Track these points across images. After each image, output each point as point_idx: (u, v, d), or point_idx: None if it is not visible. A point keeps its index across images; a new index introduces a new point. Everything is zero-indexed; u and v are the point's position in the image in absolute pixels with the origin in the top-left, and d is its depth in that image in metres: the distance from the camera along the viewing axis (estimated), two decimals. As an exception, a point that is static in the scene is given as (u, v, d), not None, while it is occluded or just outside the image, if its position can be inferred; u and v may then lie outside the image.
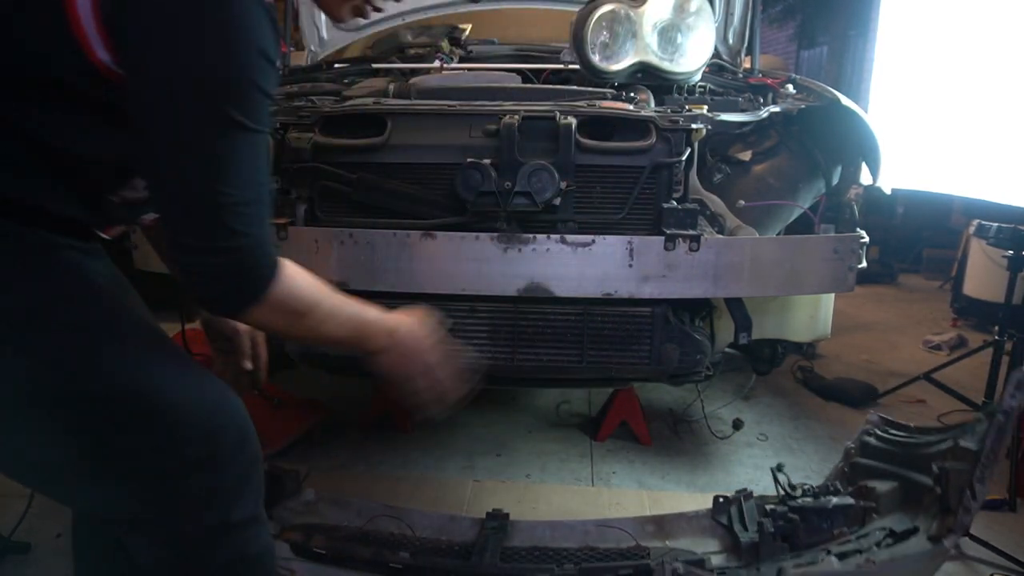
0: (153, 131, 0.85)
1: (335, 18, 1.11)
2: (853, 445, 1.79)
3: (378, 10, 1.10)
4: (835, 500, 1.61)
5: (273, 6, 0.88)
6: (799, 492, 1.69)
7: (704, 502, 2.21)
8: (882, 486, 1.63)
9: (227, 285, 0.90)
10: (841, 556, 1.47)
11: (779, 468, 1.79)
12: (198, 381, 0.99)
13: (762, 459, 2.57)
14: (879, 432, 1.75)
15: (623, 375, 1.84)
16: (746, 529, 1.64)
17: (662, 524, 1.74)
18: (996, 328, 2.68)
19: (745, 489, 1.76)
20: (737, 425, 2.73)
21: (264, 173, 0.91)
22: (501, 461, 2.53)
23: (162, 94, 0.83)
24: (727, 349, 2.09)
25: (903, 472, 1.62)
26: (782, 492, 1.71)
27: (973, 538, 2.04)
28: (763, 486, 2.35)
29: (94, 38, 0.83)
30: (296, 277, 0.96)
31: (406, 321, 1.09)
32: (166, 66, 0.82)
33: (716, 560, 1.60)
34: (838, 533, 1.57)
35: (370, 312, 1.05)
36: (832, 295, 2.15)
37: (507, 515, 1.76)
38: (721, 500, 1.73)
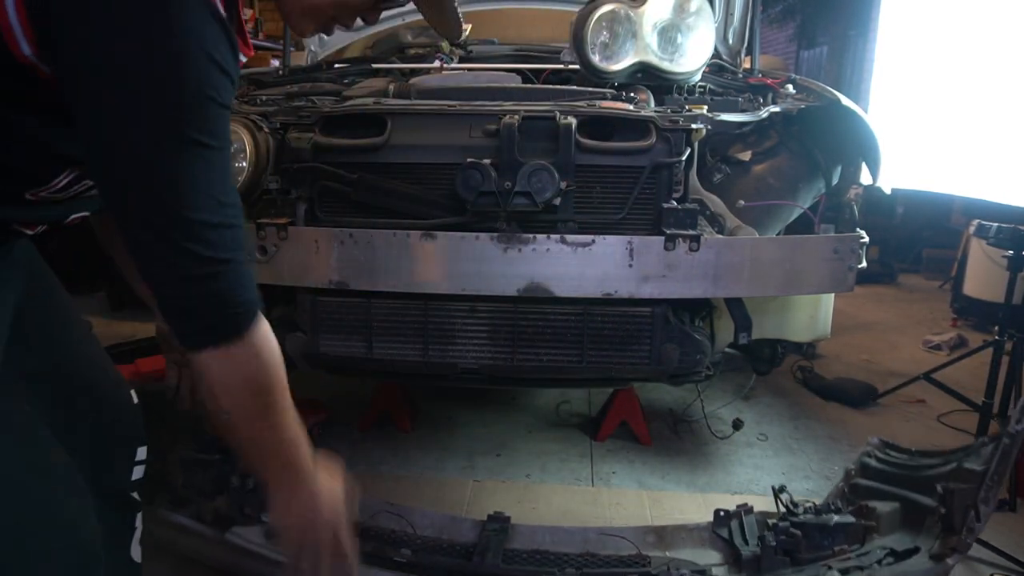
0: (99, 149, 0.78)
1: (298, 32, 1.03)
2: (853, 466, 1.81)
3: (346, 28, 1.03)
4: (836, 518, 1.62)
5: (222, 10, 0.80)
6: (800, 510, 1.70)
7: (704, 502, 2.22)
8: (883, 507, 1.64)
9: (198, 318, 0.82)
10: (843, 572, 1.47)
11: (781, 489, 1.79)
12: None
13: (762, 459, 2.58)
14: (879, 454, 1.76)
15: (623, 375, 1.84)
16: (746, 543, 1.64)
17: (663, 534, 1.75)
18: (996, 328, 2.68)
19: (746, 504, 1.76)
20: (737, 425, 2.73)
21: (229, 193, 0.83)
22: (501, 461, 2.53)
23: (102, 110, 0.76)
24: (727, 349, 2.09)
25: (904, 493, 1.63)
26: (783, 510, 1.72)
27: (973, 538, 2.04)
28: (763, 486, 2.35)
29: (17, 31, 0.76)
30: (272, 341, 0.87)
31: (325, 486, 0.96)
32: (102, 75, 0.75)
33: (717, 572, 1.60)
34: (839, 550, 1.58)
35: (307, 448, 0.94)
36: (832, 295, 2.15)
37: (508, 518, 1.76)
38: (722, 514, 1.74)
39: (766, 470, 2.50)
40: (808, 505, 1.72)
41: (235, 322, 0.83)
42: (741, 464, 2.54)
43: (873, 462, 1.77)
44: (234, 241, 0.83)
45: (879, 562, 1.49)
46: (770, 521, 1.68)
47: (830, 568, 1.50)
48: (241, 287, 0.83)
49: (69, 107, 0.78)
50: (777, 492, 1.78)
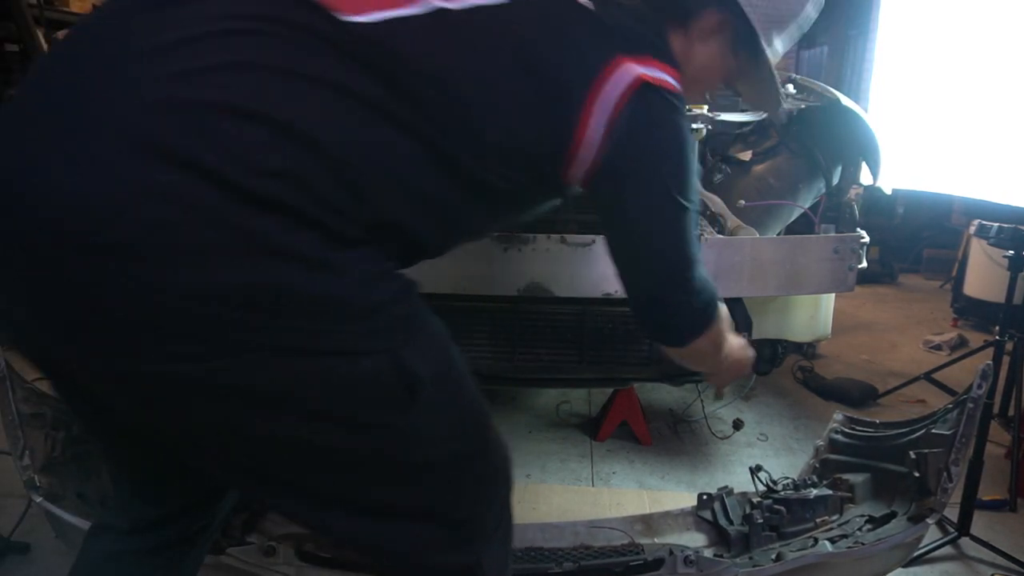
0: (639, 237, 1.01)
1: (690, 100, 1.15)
2: (822, 442, 1.88)
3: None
4: (815, 491, 1.69)
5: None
6: (780, 487, 1.75)
7: (704, 502, 2.22)
8: (855, 478, 1.72)
9: (699, 324, 1.06)
10: (831, 540, 1.53)
11: (758, 468, 1.83)
12: None
13: (762, 459, 2.57)
14: (846, 429, 1.84)
15: (623, 375, 1.84)
16: (731, 523, 1.68)
17: (649, 522, 1.77)
18: (996, 328, 2.68)
19: (726, 486, 1.80)
20: (737, 425, 2.73)
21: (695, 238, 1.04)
22: (501, 461, 2.53)
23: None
24: (727, 349, 2.09)
25: (873, 464, 1.72)
26: (763, 488, 1.76)
27: (973, 538, 2.04)
28: (762, 486, 2.35)
29: (583, 159, 0.93)
30: (724, 313, 1.12)
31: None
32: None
33: (707, 553, 1.63)
34: (820, 521, 1.65)
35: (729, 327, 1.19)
36: (832, 295, 2.15)
37: None
38: (704, 497, 1.77)
39: (766, 470, 2.49)
40: (787, 481, 1.77)
41: (712, 315, 1.07)
42: (741, 464, 2.53)
43: (841, 437, 1.84)
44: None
45: (859, 529, 1.57)
46: (754, 499, 1.71)
47: (817, 540, 1.54)
48: (714, 294, 1.07)
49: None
50: (754, 471, 1.82)
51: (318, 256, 0.78)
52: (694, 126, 1.76)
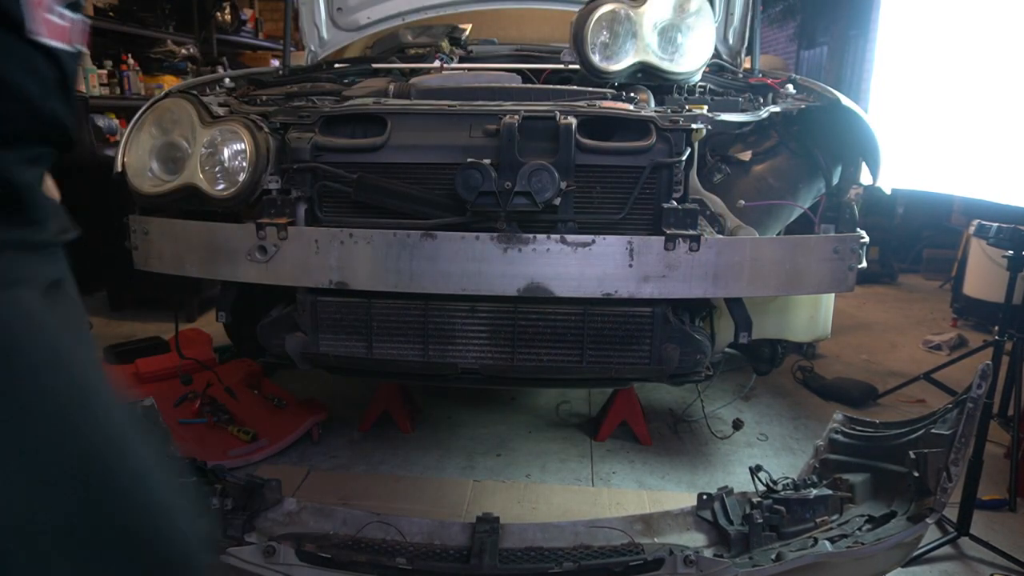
0: None
1: None
2: (822, 443, 1.90)
3: None
4: (815, 491, 1.71)
5: None
6: (780, 487, 1.77)
7: (704, 502, 2.22)
8: (855, 478, 1.74)
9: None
10: (831, 540, 1.54)
11: (758, 468, 1.84)
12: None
13: (762, 459, 2.57)
14: (846, 429, 1.87)
15: (623, 375, 1.84)
16: (731, 523, 1.70)
17: (649, 522, 1.79)
18: (996, 328, 2.68)
19: (726, 486, 1.82)
20: (737, 425, 2.74)
21: None
22: (501, 461, 2.53)
23: None
24: (727, 349, 2.09)
25: (873, 463, 1.74)
26: (763, 488, 1.78)
27: (973, 538, 2.05)
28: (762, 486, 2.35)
29: None
30: None
31: None
32: None
33: (707, 553, 1.64)
34: (820, 521, 1.66)
35: None
36: (832, 295, 2.15)
37: (497, 519, 1.76)
38: (704, 497, 1.79)
39: (766, 470, 2.50)
40: (787, 481, 1.78)
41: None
42: (741, 464, 2.54)
43: (840, 437, 1.86)
44: None
45: (859, 529, 1.58)
46: (754, 499, 1.72)
47: (817, 540, 1.55)
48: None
49: None
50: (754, 471, 1.83)
51: None
52: (694, 126, 1.76)
